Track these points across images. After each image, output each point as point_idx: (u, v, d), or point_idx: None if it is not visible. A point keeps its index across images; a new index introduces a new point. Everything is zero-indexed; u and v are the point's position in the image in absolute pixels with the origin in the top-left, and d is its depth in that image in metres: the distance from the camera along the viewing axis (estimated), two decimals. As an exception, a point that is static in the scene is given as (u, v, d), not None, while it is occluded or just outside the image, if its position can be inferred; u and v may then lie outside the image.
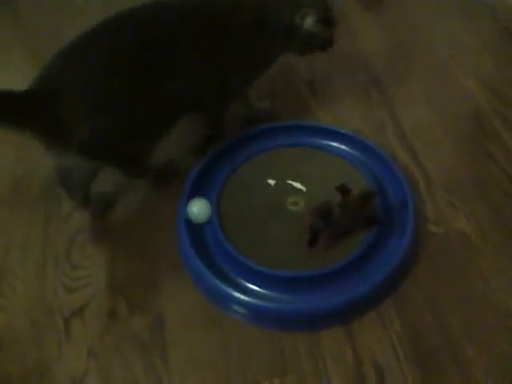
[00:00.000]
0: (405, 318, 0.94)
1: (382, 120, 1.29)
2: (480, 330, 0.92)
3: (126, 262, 1.06)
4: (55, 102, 0.91)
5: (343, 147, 1.18)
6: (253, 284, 0.97)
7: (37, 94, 0.92)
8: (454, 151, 1.20)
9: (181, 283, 1.01)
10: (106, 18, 0.99)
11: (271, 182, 1.11)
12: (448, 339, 0.91)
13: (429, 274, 1.00)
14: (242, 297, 0.94)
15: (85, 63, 0.94)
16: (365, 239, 1.00)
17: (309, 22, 1.09)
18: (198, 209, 1.05)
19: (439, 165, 1.18)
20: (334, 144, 1.19)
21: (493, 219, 1.07)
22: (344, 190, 1.00)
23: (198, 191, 1.10)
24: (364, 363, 0.89)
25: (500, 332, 0.92)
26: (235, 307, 0.96)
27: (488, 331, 0.92)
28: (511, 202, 1.10)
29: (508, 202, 1.10)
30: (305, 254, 0.99)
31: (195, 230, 1.05)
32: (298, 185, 1.10)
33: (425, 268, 1.01)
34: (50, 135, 0.94)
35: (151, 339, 0.94)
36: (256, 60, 1.14)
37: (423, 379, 0.87)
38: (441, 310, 0.95)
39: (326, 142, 1.19)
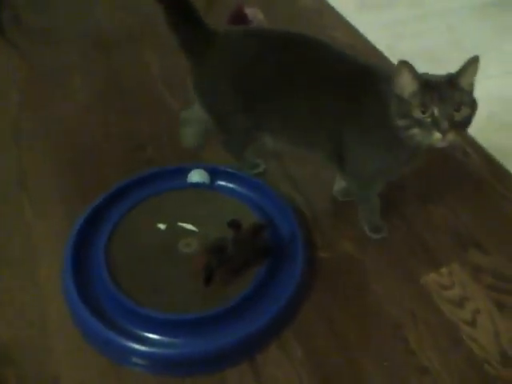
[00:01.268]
0: (306, 344, 0.97)
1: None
2: (376, 345, 0.98)
3: (12, 326, 0.99)
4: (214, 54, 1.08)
5: (231, 186, 1.21)
6: (149, 332, 0.94)
7: (211, 37, 1.09)
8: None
9: (75, 343, 0.96)
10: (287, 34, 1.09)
11: (161, 226, 1.10)
12: (349, 358, 0.95)
13: (325, 299, 1.04)
14: (139, 347, 0.91)
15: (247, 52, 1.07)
16: (259, 271, 1.02)
17: None
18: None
19: (320, 191, 1.26)
20: (223, 183, 1.22)
21: (372, 240, 1.15)
22: (235, 225, 1.03)
23: (84, 239, 1.07)
24: (272, 396, 0.90)
25: (394, 344, 0.97)
26: (134, 359, 0.92)
27: (383, 346, 0.97)
28: (389, 224, 1.18)
29: (387, 225, 1.18)
30: (202, 294, 0.99)
31: (83, 283, 1.00)
32: (189, 226, 1.10)
33: (321, 293, 1.05)
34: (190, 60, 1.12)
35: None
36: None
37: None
38: (339, 331, 0.99)
39: (215, 182, 1.22)
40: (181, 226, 1.10)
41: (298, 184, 1.27)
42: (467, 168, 1.31)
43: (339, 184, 1.22)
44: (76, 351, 0.95)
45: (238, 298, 0.97)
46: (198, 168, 1.21)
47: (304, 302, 1.03)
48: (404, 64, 0.88)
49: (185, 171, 1.22)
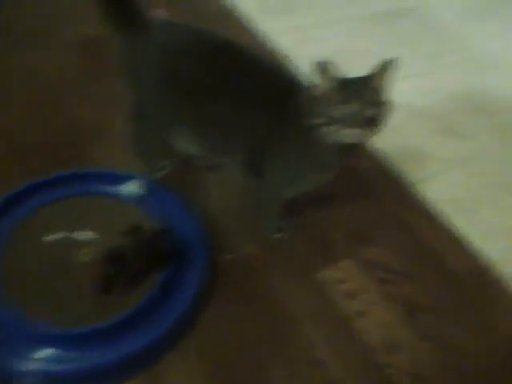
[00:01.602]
0: (208, 348, 0.99)
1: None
2: (275, 340, 1.02)
3: None
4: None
5: (131, 191, 1.19)
6: (47, 347, 0.91)
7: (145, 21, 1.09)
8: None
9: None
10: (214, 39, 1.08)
11: (58, 235, 1.07)
12: (248, 357, 0.98)
13: (227, 300, 1.06)
14: (34, 366, 0.89)
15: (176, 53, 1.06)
16: (159, 277, 1.02)
17: None
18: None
19: (222, 194, 1.29)
20: (119, 189, 1.19)
21: (272, 239, 1.20)
22: (134, 232, 1.03)
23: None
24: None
25: (292, 339, 1.02)
26: (29, 378, 0.90)
27: (283, 342, 1.02)
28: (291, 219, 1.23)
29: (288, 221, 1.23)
30: (104, 304, 0.97)
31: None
32: (87, 235, 1.08)
33: (223, 295, 1.07)
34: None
35: None
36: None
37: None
38: (240, 331, 1.02)
39: (111, 188, 1.19)
40: (78, 235, 1.08)
41: (200, 187, 1.29)
42: (358, 168, 1.38)
43: None
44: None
45: (140, 305, 0.97)
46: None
47: (205, 305, 1.05)
48: (320, 64, 0.91)
49: (81, 177, 1.19)
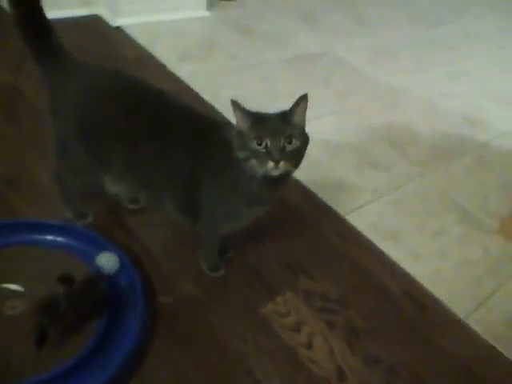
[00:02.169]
0: (153, 392, 0.94)
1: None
2: (223, 380, 0.99)
3: None
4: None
5: (60, 239, 1.14)
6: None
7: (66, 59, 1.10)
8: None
9: None
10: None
11: (-17, 289, 1.00)
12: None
13: (169, 342, 1.03)
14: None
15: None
16: (97, 327, 0.96)
17: None
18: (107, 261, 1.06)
19: (155, 237, 1.25)
20: (50, 237, 1.14)
21: (212, 276, 1.18)
22: (66, 280, 0.97)
23: None
24: None
25: (239, 375, 1.00)
26: None
27: (229, 378, 0.99)
28: (228, 256, 1.22)
29: (226, 261, 1.22)
30: (37, 357, 0.90)
31: None
32: (15, 287, 1.01)
33: (163, 338, 1.03)
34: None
35: None
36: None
37: None
38: (184, 373, 0.98)
39: (40, 237, 1.13)
40: (5, 287, 1.01)
41: (132, 232, 1.25)
42: (289, 202, 1.42)
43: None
44: None
45: (78, 355, 0.91)
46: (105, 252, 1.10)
47: (148, 349, 1.00)
48: (234, 103, 0.93)
49: (7, 227, 1.13)
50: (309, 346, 1.07)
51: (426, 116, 1.99)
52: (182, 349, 1.02)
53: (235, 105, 0.93)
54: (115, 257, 1.09)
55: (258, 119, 0.94)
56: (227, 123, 1.09)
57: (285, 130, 0.93)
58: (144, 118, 1.05)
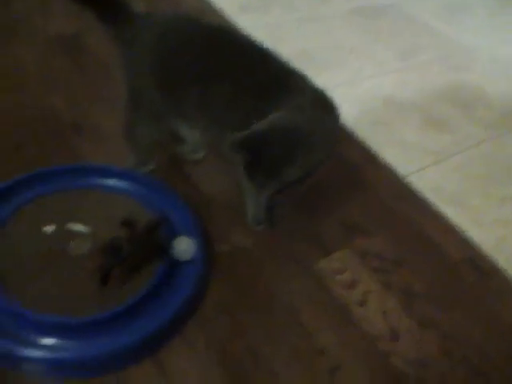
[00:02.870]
0: (208, 337, 0.97)
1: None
2: (274, 331, 1.00)
3: None
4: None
5: (124, 184, 1.17)
6: (45, 337, 0.88)
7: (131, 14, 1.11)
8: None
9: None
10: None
11: (49, 228, 1.04)
12: (248, 347, 0.96)
13: (224, 290, 1.05)
14: (31, 353, 0.86)
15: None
16: (157, 269, 0.99)
17: None
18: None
19: (214, 186, 1.26)
20: (113, 182, 1.17)
21: (267, 230, 1.18)
22: (129, 224, 1.00)
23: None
24: (177, 389, 0.89)
25: (291, 328, 1.00)
26: (32, 365, 0.87)
27: (281, 330, 1.00)
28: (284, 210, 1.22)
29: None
30: (99, 295, 0.95)
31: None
32: (80, 227, 1.05)
33: (220, 285, 1.05)
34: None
35: None
36: None
37: (234, 386, 0.91)
38: (239, 323, 1.00)
39: (104, 181, 1.16)
40: (71, 228, 1.05)
41: (192, 180, 1.26)
42: (347, 160, 1.39)
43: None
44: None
45: (137, 296, 0.94)
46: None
47: (204, 296, 1.03)
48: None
49: (73, 170, 1.16)
50: (362, 304, 1.06)
51: (498, 78, 1.88)
52: (237, 299, 1.04)
53: None
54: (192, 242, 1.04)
55: None
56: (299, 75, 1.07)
57: None
58: (219, 60, 1.04)
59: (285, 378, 0.93)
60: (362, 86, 1.67)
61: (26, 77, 1.52)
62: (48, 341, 0.88)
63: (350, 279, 1.11)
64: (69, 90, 1.50)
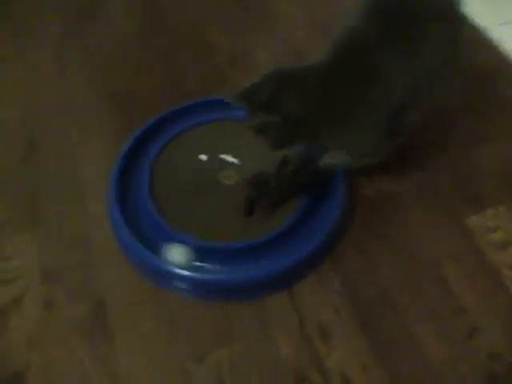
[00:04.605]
0: (343, 277, 0.97)
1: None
2: (413, 281, 0.97)
3: (59, 249, 1.03)
4: None
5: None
6: (196, 258, 0.96)
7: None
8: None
9: (119, 266, 0.99)
10: None
11: (203, 157, 1.10)
12: (384, 293, 0.96)
13: (362, 234, 1.04)
14: (182, 272, 0.94)
15: None
16: (299, 205, 1.02)
17: None
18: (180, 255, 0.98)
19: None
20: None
21: (418, 178, 1.12)
22: (281, 164, 1.02)
23: (128, 169, 1.09)
24: (308, 323, 0.92)
25: (431, 282, 0.97)
26: (176, 283, 0.96)
27: (420, 282, 0.97)
28: (434, 163, 1.15)
29: (431, 164, 1.14)
30: (243, 225, 1.00)
31: (128, 208, 1.03)
32: (230, 158, 1.10)
33: (358, 229, 1.04)
34: None
35: (93, 324, 0.92)
36: None
37: (363, 330, 0.91)
38: (376, 266, 0.99)
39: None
40: (222, 158, 1.10)
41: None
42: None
43: None
44: (120, 275, 0.99)
45: (281, 228, 0.98)
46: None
47: (343, 237, 1.03)
48: None
49: (226, 102, 1.19)
50: (514, 268, 0.99)
51: None
52: (377, 243, 1.03)
53: None
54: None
55: None
56: None
57: None
58: None
59: (418, 332, 0.91)
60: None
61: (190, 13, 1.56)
62: (196, 263, 0.96)
63: (504, 239, 1.02)
64: (231, 24, 1.50)
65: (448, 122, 1.19)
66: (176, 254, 0.96)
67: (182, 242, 0.97)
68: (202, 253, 0.96)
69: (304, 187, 1.03)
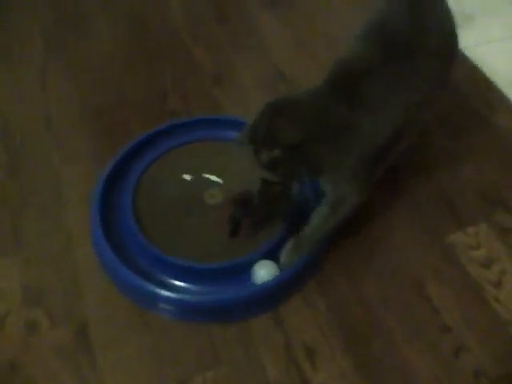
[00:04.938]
0: (328, 298, 0.97)
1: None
2: (398, 300, 0.98)
3: (41, 271, 1.01)
4: None
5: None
6: (177, 280, 0.96)
7: None
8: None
9: (102, 288, 0.98)
10: None
11: (187, 177, 1.10)
12: (370, 312, 0.96)
13: (348, 254, 1.04)
14: (167, 293, 0.93)
15: None
16: (284, 224, 1.02)
17: None
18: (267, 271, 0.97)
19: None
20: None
21: (396, 194, 1.13)
22: (265, 180, 1.02)
23: (111, 190, 1.08)
24: (294, 345, 0.91)
25: (416, 300, 0.98)
26: (161, 305, 0.95)
27: (406, 301, 0.98)
28: (414, 182, 1.16)
29: (412, 183, 1.16)
30: (228, 245, 1.00)
31: (111, 230, 1.02)
32: (214, 178, 1.10)
33: (344, 248, 1.04)
34: None
35: (76, 346, 0.91)
36: None
37: (349, 350, 0.91)
38: (361, 286, 0.99)
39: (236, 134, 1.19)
40: (206, 177, 1.10)
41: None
42: (494, 125, 1.26)
43: None
44: (104, 296, 0.98)
45: (262, 249, 0.98)
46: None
47: (327, 257, 1.03)
48: None
49: (209, 122, 1.20)
50: (497, 284, 0.99)
51: None
52: (360, 262, 1.03)
53: None
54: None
55: None
56: None
57: None
58: None
59: (404, 352, 0.91)
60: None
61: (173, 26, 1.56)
62: (180, 283, 0.96)
63: (486, 256, 1.03)
64: (213, 42, 1.51)
65: (427, 141, 1.21)
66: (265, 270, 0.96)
67: (166, 263, 0.96)
68: (185, 274, 0.96)
69: (288, 205, 1.03)
